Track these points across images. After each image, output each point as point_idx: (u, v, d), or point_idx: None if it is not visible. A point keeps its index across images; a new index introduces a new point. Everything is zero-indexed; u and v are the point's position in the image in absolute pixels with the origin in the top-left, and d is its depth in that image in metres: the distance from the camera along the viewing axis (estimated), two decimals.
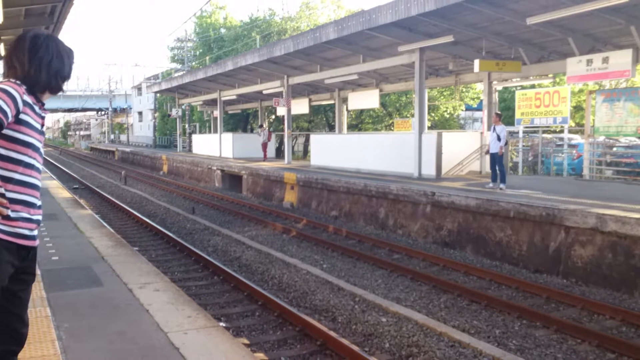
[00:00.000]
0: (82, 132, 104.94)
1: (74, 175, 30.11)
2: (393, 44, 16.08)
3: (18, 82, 2.49)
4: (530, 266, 9.79)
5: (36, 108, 2.55)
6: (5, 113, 2.32)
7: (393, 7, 13.67)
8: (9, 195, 2.45)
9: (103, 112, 79.00)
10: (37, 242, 2.64)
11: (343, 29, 15.76)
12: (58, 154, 63.22)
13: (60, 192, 16.48)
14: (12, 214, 2.45)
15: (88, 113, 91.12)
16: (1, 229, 2.43)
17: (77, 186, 24.21)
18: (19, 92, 2.42)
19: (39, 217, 2.62)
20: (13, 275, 2.52)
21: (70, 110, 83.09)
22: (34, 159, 2.55)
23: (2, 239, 2.43)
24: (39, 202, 2.62)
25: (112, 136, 75.44)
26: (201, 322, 4.63)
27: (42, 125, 2.60)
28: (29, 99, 2.49)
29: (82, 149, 76.23)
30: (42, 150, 2.62)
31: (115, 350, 4.00)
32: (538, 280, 9.11)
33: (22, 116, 2.44)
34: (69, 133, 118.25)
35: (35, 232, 2.61)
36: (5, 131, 2.40)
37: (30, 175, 2.54)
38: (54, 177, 24.19)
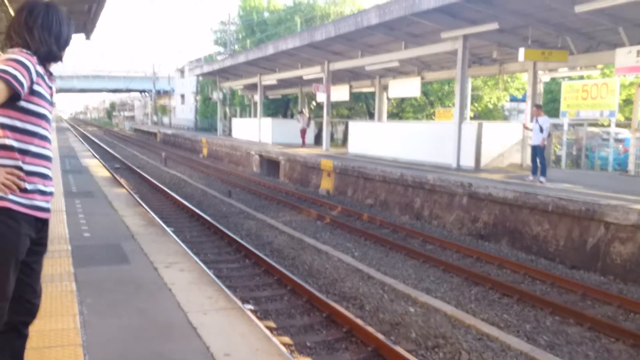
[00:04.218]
0: (126, 113, 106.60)
1: (117, 155, 30.70)
2: (436, 30, 15.76)
3: (30, 52, 2.44)
4: (567, 262, 9.51)
5: (46, 78, 2.52)
6: (22, 84, 2.30)
7: None
8: (26, 167, 2.45)
9: (147, 94, 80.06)
10: (50, 214, 2.63)
11: (385, 13, 15.52)
12: (102, 134, 64.62)
13: (100, 170, 16.80)
14: (29, 186, 2.45)
15: (132, 94, 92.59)
16: (20, 202, 2.43)
17: (118, 166, 24.70)
18: (32, 63, 2.39)
19: (52, 189, 2.62)
20: (28, 247, 2.52)
21: (115, 90, 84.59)
22: (47, 130, 2.54)
23: (21, 212, 2.43)
24: (51, 174, 2.61)
25: (154, 118, 76.49)
26: (222, 303, 4.61)
27: (52, 95, 2.57)
28: (40, 69, 2.46)
29: (126, 130, 77.58)
30: (51, 121, 2.59)
31: (133, 326, 4.01)
32: (574, 276, 8.84)
33: (35, 87, 2.42)
34: (114, 114, 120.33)
35: (49, 204, 2.60)
36: (20, 103, 2.38)
37: (44, 147, 2.54)
38: (96, 156, 24.68)
